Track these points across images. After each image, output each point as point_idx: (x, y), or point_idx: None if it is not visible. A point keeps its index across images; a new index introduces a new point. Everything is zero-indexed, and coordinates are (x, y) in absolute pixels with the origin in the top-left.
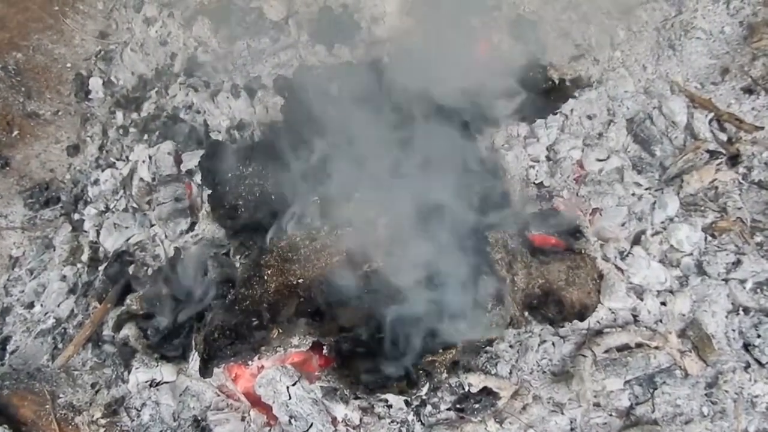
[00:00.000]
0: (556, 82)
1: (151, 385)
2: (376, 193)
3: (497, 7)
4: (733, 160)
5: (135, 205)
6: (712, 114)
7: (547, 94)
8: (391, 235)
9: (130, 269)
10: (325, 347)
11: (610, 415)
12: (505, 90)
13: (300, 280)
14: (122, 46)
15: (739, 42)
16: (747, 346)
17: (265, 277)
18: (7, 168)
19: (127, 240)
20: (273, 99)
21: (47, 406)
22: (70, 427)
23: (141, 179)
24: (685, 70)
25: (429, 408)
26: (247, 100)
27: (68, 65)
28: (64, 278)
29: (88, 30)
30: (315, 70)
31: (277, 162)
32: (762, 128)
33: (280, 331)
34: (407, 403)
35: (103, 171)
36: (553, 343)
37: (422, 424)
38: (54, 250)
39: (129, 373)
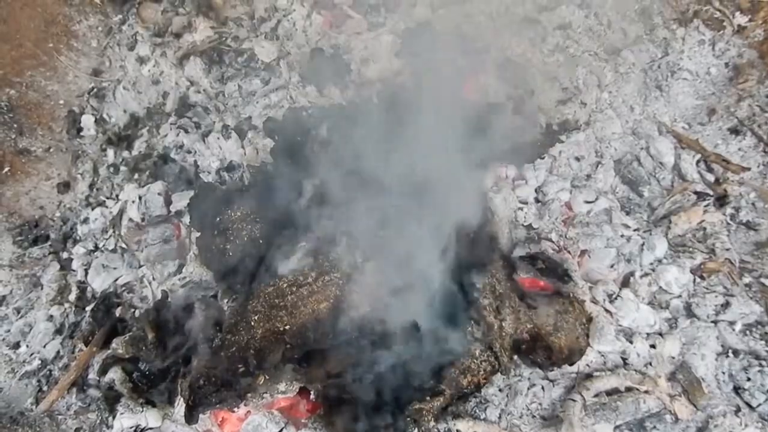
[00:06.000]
0: (544, 126)
1: (135, 431)
2: (364, 238)
3: (485, 50)
4: (721, 200)
5: (124, 245)
6: (700, 155)
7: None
8: (378, 280)
9: (117, 311)
10: (312, 393)
11: None
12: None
13: (287, 327)
14: (115, 83)
15: (725, 83)
16: (737, 390)
17: (252, 323)
18: None
19: (115, 281)
20: (263, 140)
21: None
22: None
23: (130, 219)
24: (672, 110)
25: None
26: (237, 141)
27: (61, 102)
28: (50, 318)
29: (81, 67)
30: (305, 111)
31: (266, 205)
32: (749, 169)
33: (267, 377)
34: None
35: (92, 209)
36: (542, 387)
37: None
38: (41, 289)
39: (114, 418)
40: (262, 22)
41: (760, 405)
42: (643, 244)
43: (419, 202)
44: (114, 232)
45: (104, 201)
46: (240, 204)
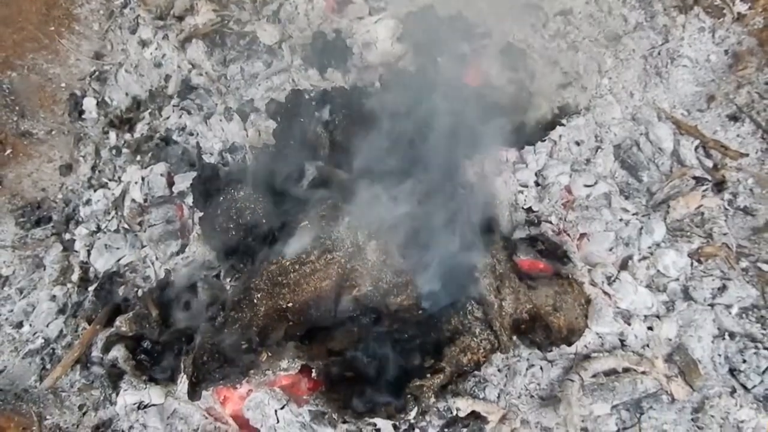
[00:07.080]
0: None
1: (139, 408)
2: (366, 217)
3: (487, 35)
4: (719, 186)
5: (126, 226)
6: (698, 141)
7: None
8: (380, 259)
9: (120, 290)
10: (313, 370)
11: None
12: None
13: (289, 304)
14: (117, 67)
15: (725, 70)
16: (733, 371)
17: (255, 301)
18: (0, 187)
19: (118, 261)
20: (265, 122)
21: (34, 428)
22: None
23: (133, 200)
24: (671, 97)
25: None
26: (239, 123)
27: (63, 85)
28: (53, 298)
29: (83, 50)
30: (307, 93)
31: (268, 185)
32: (747, 155)
33: (269, 354)
34: (395, 428)
35: (95, 191)
36: (541, 368)
37: None
38: (44, 270)
39: (117, 395)
40: (264, 5)
41: (755, 386)
42: (641, 228)
43: (420, 184)
44: (116, 213)
45: (106, 183)
46: (242, 184)
